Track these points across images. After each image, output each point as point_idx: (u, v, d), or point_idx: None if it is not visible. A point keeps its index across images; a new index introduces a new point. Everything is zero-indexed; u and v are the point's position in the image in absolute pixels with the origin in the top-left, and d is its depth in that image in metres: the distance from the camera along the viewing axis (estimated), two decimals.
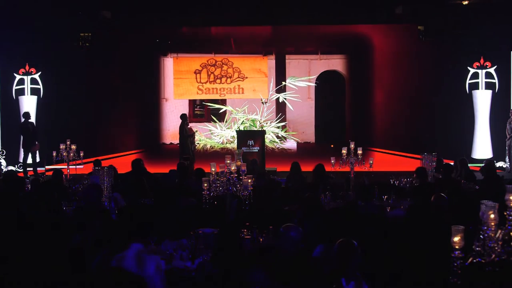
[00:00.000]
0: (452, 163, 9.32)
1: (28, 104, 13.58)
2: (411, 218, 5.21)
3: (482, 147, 13.40)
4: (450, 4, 12.95)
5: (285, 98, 15.92)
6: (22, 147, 12.35)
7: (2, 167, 13.18)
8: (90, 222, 4.85)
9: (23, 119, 12.27)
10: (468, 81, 13.43)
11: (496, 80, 13.34)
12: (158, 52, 15.80)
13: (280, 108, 15.99)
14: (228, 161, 5.47)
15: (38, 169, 12.24)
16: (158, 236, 4.86)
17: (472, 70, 13.43)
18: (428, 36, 13.24)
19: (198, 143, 14.84)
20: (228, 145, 15.35)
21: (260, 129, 14.87)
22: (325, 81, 16.17)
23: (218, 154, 14.22)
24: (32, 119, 12.77)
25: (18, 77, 13.67)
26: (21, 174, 11.69)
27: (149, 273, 3.77)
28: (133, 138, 14.43)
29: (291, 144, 15.68)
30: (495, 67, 13.31)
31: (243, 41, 15.27)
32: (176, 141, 14.27)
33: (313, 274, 3.83)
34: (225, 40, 15.13)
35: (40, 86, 13.73)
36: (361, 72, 14.11)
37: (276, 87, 15.91)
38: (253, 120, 15.74)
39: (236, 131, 13.00)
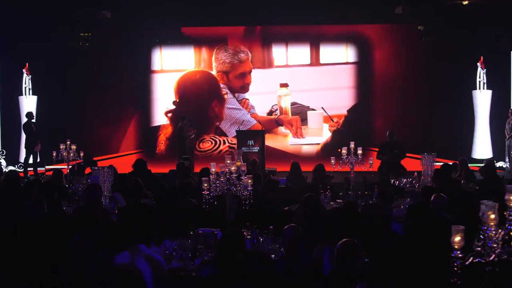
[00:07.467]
0: (451, 163, 9.32)
1: (28, 104, 13.59)
2: (411, 218, 5.21)
3: (482, 147, 13.40)
4: (450, 4, 12.96)
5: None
6: (25, 147, 12.30)
7: (2, 167, 13.17)
8: (90, 222, 4.86)
9: (26, 119, 12.24)
10: (478, 79, 13.40)
11: (484, 81, 13.37)
12: (157, 51, 15.75)
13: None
14: (228, 161, 5.45)
15: (38, 169, 12.24)
16: (158, 236, 4.86)
17: (479, 69, 13.40)
18: (428, 36, 13.24)
19: None
20: None
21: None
22: None
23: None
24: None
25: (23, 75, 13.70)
26: (21, 174, 11.69)
27: (147, 271, 3.78)
28: (133, 138, 14.40)
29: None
30: (484, 70, 13.31)
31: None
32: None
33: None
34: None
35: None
36: (361, 72, 14.09)
37: None
38: None
39: (236, 131, 12.96)
